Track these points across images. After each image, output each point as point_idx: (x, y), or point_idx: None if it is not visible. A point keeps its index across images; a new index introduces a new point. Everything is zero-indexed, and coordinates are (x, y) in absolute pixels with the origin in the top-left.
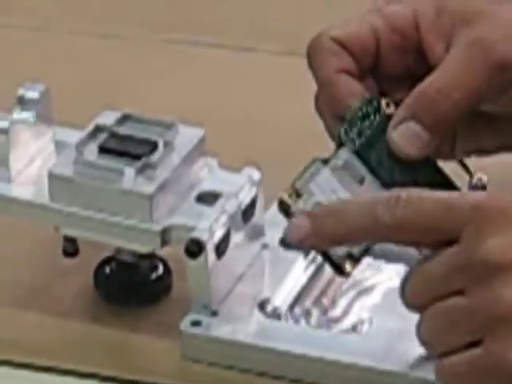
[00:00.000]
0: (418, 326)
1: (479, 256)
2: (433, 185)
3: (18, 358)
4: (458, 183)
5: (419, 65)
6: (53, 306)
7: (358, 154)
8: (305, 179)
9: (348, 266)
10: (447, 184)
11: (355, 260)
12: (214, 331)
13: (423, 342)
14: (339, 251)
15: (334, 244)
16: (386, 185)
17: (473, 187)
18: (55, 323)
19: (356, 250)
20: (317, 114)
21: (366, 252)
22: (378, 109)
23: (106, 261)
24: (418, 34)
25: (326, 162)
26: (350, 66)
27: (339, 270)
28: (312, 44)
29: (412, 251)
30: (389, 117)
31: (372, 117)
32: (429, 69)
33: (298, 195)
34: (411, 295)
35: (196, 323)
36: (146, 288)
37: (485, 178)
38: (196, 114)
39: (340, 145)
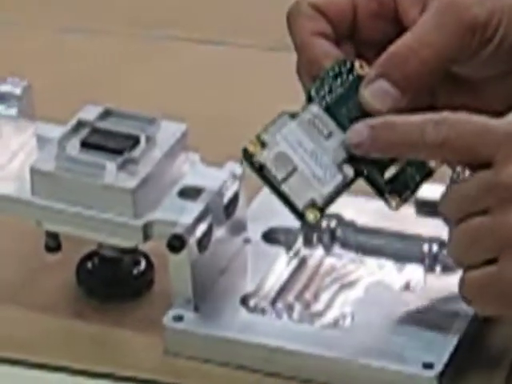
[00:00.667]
0: (449, 241)
1: (505, 179)
2: None
3: (1, 354)
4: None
5: (396, 31)
6: (35, 301)
7: (329, 109)
8: (271, 131)
9: (311, 216)
10: None
11: (319, 210)
12: (196, 326)
13: (452, 257)
14: (303, 199)
15: (385, 153)
16: None
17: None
18: (37, 318)
19: (320, 199)
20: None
21: (330, 203)
22: (351, 69)
23: (89, 256)
24: (395, 0)
25: (293, 116)
26: (327, 30)
27: (302, 218)
28: (291, 9)
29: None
30: (361, 77)
31: (345, 76)
32: None
33: (263, 146)
34: (446, 210)
35: (178, 318)
36: (129, 283)
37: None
38: (179, 109)
39: (309, 101)
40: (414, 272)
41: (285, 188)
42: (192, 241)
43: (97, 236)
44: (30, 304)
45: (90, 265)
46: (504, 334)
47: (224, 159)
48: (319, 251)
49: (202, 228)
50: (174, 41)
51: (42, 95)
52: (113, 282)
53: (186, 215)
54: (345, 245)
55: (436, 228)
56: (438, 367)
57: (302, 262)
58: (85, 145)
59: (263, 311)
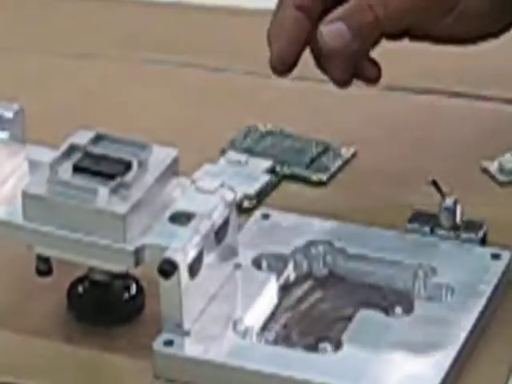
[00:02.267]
0: None
1: None
2: None
3: None
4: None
5: None
6: (25, 325)
7: None
8: None
9: None
10: None
11: None
12: (186, 351)
13: None
14: None
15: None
16: None
17: (445, 209)
18: (27, 342)
19: None
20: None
21: None
22: None
23: (79, 280)
24: None
25: None
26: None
27: None
28: None
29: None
30: None
31: None
32: None
33: None
34: None
35: (168, 343)
36: (119, 307)
37: (455, 199)
38: (171, 134)
39: None
40: (404, 299)
41: None
42: (183, 266)
43: (88, 260)
44: (19, 327)
45: (80, 289)
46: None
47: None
48: (309, 278)
49: (192, 253)
50: (166, 65)
51: (34, 119)
52: (103, 306)
53: (177, 240)
54: (335, 272)
55: (425, 254)
56: None
57: (292, 288)
58: (77, 169)
59: (253, 337)
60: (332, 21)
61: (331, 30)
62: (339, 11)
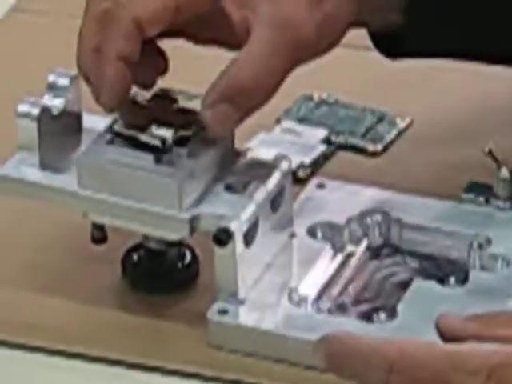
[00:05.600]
0: None
1: None
2: None
3: (46, 345)
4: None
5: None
6: (79, 293)
7: None
8: None
9: None
10: None
11: None
12: (240, 319)
13: None
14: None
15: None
16: None
17: (501, 179)
18: (82, 309)
19: None
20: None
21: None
22: None
23: (134, 248)
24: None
25: None
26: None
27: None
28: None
29: None
30: None
31: None
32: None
33: None
34: None
35: (223, 311)
36: (174, 276)
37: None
38: None
39: None
40: (458, 269)
41: None
42: (238, 234)
43: (143, 228)
44: (74, 295)
45: (135, 257)
46: None
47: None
48: (364, 248)
49: (248, 222)
50: None
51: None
52: (157, 274)
53: (233, 209)
54: (390, 241)
55: (480, 224)
56: None
57: (347, 258)
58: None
59: (308, 306)
60: (214, 103)
61: (216, 115)
62: (217, 91)
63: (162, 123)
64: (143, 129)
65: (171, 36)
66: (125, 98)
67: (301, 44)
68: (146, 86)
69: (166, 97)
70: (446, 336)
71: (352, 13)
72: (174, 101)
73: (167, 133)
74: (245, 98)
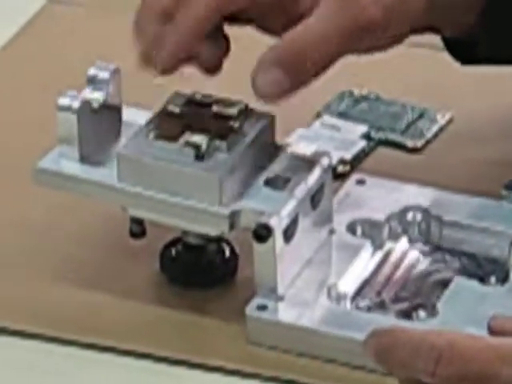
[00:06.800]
0: None
1: None
2: None
3: (82, 338)
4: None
5: None
6: (118, 288)
7: None
8: None
9: None
10: None
11: None
12: (279, 316)
13: None
14: None
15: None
16: None
17: None
18: (119, 304)
19: None
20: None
21: None
22: None
23: (173, 243)
24: None
25: None
26: None
27: None
28: None
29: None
30: None
31: None
32: None
33: None
34: None
35: (262, 307)
36: (212, 271)
37: None
38: None
39: None
40: (499, 268)
41: None
42: (278, 230)
43: (182, 223)
44: (112, 290)
45: (173, 252)
46: None
47: None
48: (404, 245)
49: (288, 218)
50: None
51: (130, 79)
52: (196, 269)
53: (273, 205)
54: (430, 239)
55: None
56: None
57: (387, 255)
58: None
59: (347, 303)
60: (266, 66)
61: (266, 78)
62: (272, 54)
63: (196, 130)
64: (176, 138)
65: (242, 23)
66: (181, 65)
67: (365, 24)
68: (211, 70)
69: (199, 103)
70: (497, 334)
71: (423, 8)
72: (209, 106)
73: (202, 140)
74: (299, 66)
